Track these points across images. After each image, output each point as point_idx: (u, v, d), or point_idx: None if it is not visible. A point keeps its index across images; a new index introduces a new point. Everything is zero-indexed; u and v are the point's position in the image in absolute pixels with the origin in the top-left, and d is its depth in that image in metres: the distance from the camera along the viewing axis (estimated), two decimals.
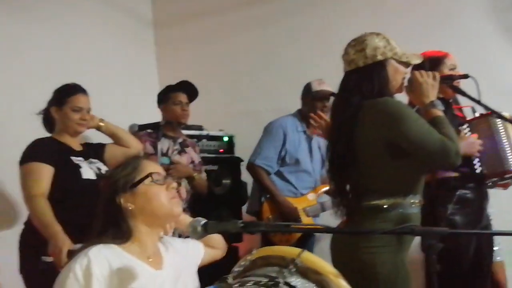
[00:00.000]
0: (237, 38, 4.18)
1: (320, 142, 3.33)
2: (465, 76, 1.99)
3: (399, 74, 1.89)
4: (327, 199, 3.25)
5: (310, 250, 3.07)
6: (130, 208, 1.49)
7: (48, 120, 2.55)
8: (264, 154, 3.21)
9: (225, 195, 3.66)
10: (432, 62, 2.34)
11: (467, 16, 3.60)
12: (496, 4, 3.56)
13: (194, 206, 3.22)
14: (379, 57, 1.85)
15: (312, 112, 3.11)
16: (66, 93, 2.50)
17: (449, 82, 1.87)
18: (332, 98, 2.87)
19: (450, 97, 2.49)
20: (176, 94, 3.13)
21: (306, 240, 3.18)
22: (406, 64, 1.90)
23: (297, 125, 3.28)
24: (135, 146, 2.66)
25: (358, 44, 1.88)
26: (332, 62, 3.50)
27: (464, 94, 1.96)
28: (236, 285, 1.20)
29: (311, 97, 3.21)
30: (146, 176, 1.52)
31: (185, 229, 1.45)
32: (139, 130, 2.81)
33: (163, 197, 1.52)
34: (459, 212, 2.37)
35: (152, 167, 1.57)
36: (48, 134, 2.57)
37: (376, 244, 1.77)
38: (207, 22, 4.25)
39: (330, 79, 3.62)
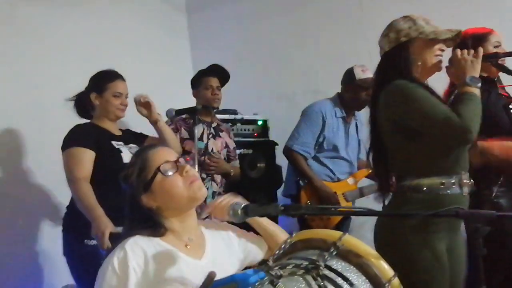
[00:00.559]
0: (271, 20, 4.14)
1: (358, 127, 3.31)
2: (510, 54, 1.90)
3: (428, 52, 1.85)
4: (366, 184, 3.23)
5: None
6: (154, 206, 1.48)
7: (83, 106, 2.59)
8: (301, 139, 3.16)
9: (260, 179, 3.67)
10: (475, 39, 2.25)
11: None
12: None
13: (229, 190, 3.23)
14: (403, 39, 1.86)
15: (355, 100, 3.15)
16: (106, 80, 2.54)
17: (494, 61, 1.79)
18: None
19: (495, 75, 2.40)
20: (207, 78, 3.13)
21: (343, 225, 3.16)
22: (436, 41, 1.84)
23: (336, 110, 3.21)
24: (176, 150, 2.66)
25: (386, 29, 1.93)
26: (368, 45, 3.51)
27: (510, 72, 1.87)
28: (276, 268, 1.19)
29: (354, 85, 3.14)
30: (155, 173, 1.47)
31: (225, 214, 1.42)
32: (176, 115, 2.82)
33: (181, 185, 1.47)
34: (504, 195, 2.29)
35: (159, 157, 1.50)
36: (82, 120, 2.61)
37: (420, 226, 1.75)
38: (240, 5, 4.23)
39: (366, 61, 3.59)
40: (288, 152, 3.21)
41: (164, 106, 3.04)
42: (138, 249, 1.40)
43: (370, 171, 3.09)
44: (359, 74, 3.13)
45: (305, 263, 1.27)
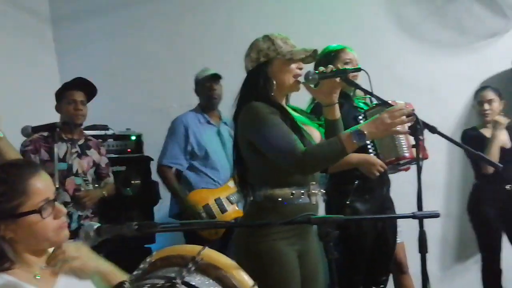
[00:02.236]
0: (144, 32, 4.06)
1: (229, 130, 3.29)
2: (358, 70, 2.05)
3: (286, 73, 1.91)
4: None
5: None
6: (7, 237, 1.30)
7: None
8: (169, 153, 3.19)
9: (135, 196, 3.55)
10: (327, 57, 2.41)
11: (364, 11, 3.78)
12: (390, 0, 3.77)
13: (103, 210, 3.09)
14: (262, 59, 1.91)
15: (205, 99, 3.25)
16: None
17: (342, 76, 1.92)
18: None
19: (350, 89, 2.58)
20: (70, 92, 2.92)
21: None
22: (293, 61, 1.91)
23: (198, 117, 3.27)
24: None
25: (248, 48, 1.98)
26: (238, 58, 3.62)
27: (357, 86, 2.02)
28: None
29: (199, 86, 3.29)
30: (35, 211, 1.30)
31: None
32: (32, 133, 2.61)
33: (50, 230, 1.32)
34: (359, 200, 2.48)
35: (41, 191, 1.33)
36: None
37: (271, 234, 1.82)
38: (108, 17, 4.09)
39: (237, 74, 3.68)
40: (158, 168, 3.24)
41: (29, 121, 2.82)
42: None
43: None
44: (200, 75, 3.30)
45: (161, 282, 1.25)
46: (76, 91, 2.92)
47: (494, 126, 3.10)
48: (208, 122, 3.27)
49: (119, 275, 1.37)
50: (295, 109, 2.08)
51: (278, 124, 1.82)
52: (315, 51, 1.94)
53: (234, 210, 3.10)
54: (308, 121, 2.06)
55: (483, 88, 3.32)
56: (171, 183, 3.17)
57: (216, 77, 3.26)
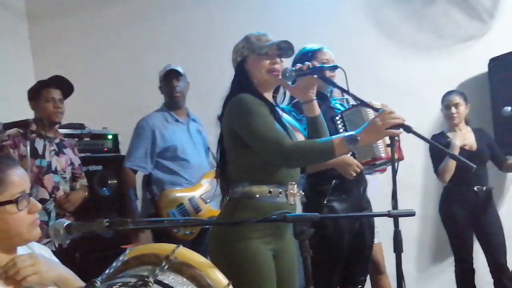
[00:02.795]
0: (122, 30, 4.01)
1: (198, 126, 3.24)
2: (335, 67, 2.06)
3: (261, 68, 1.93)
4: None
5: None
6: None
7: None
8: (134, 155, 3.04)
9: (112, 197, 3.50)
10: (304, 57, 2.42)
11: (344, 12, 3.80)
12: (369, 2, 3.80)
13: (79, 210, 3.03)
14: (239, 58, 1.98)
15: (167, 94, 3.12)
16: None
17: (319, 73, 1.92)
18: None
19: (326, 89, 2.59)
20: (48, 90, 2.87)
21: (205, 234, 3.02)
22: (264, 56, 1.93)
23: (166, 116, 3.13)
24: None
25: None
26: (219, 58, 3.60)
27: (334, 84, 2.03)
28: None
29: (161, 82, 3.16)
30: (11, 201, 1.31)
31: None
32: (4, 129, 2.55)
33: (24, 224, 1.33)
34: (337, 200, 2.48)
35: (19, 182, 1.34)
36: None
37: (246, 233, 1.81)
38: (85, 14, 4.03)
39: (218, 74, 3.67)
40: (121, 171, 3.11)
41: (3, 118, 2.77)
42: None
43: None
44: (161, 71, 3.17)
45: (134, 280, 1.22)
46: (53, 89, 2.88)
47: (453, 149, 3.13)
48: (177, 120, 3.15)
49: (79, 282, 1.36)
50: (283, 109, 2.10)
51: (266, 115, 1.83)
52: (284, 41, 1.94)
53: (208, 210, 3.01)
54: (295, 122, 2.07)
55: (449, 92, 3.36)
56: (128, 186, 3.04)
57: (174, 73, 3.12)
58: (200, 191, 3.04)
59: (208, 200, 3.04)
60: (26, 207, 1.34)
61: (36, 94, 2.90)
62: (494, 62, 3.59)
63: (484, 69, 3.62)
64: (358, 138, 1.75)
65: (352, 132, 1.78)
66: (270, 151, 1.79)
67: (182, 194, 3.01)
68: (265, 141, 1.79)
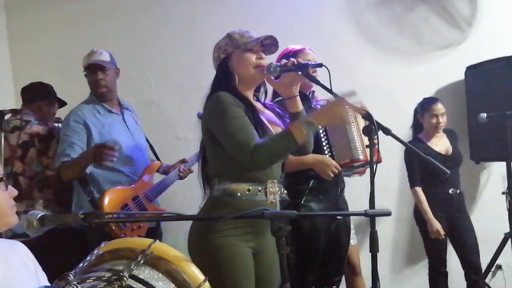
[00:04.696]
0: (100, 25, 3.92)
1: (132, 115, 2.98)
2: (319, 65, 2.07)
3: (244, 64, 1.93)
4: (165, 176, 2.94)
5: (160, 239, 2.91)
6: None
7: None
8: (63, 148, 2.65)
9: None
10: (286, 57, 2.43)
11: (326, 15, 3.83)
12: (351, 6, 3.83)
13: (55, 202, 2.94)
14: (222, 55, 1.97)
15: (94, 85, 2.76)
16: None
17: (303, 70, 1.94)
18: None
19: (308, 90, 2.61)
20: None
21: (157, 231, 2.86)
22: (249, 51, 1.92)
23: (97, 108, 2.79)
24: None
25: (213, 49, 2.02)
26: (200, 56, 3.59)
27: (317, 82, 2.04)
28: (74, 283, 1.10)
29: (86, 71, 2.82)
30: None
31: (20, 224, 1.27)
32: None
33: (7, 205, 1.31)
34: (314, 200, 2.50)
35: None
36: None
37: (225, 230, 1.80)
38: (64, 7, 3.95)
39: (199, 71, 3.65)
40: (57, 171, 2.68)
41: None
42: None
43: (160, 163, 2.97)
44: (83, 60, 2.84)
45: (108, 274, 1.20)
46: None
47: None
48: (110, 111, 2.82)
49: None
50: (265, 105, 2.09)
51: (239, 117, 1.82)
52: (269, 37, 1.94)
53: (154, 208, 2.78)
54: (276, 118, 2.06)
55: (432, 100, 3.38)
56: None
57: (96, 67, 2.77)
58: (143, 189, 2.77)
59: (153, 198, 2.79)
60: (5, 190, 1.32)
61: None
62: (471, 70, 3.65)
63: (461, 76, 3.69)
64: (312, 119, 1.78)
65: (306, 116, 1.82)
66: (236, 152, 1.80)
67: (125, 193, 2.70)
68: (232, 143, 1.80)
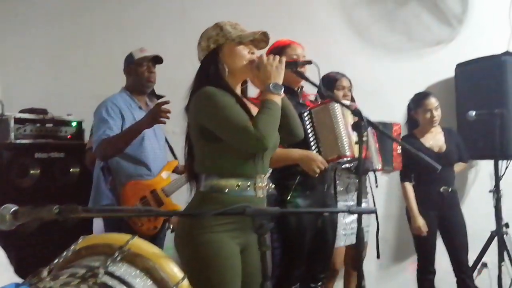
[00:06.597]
0: (84, 16, 3.87)
1: None
2: (309, 62, 2.04)
3: (237, 56, 1.89)
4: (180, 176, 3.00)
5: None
6: None
7: None
8: (104, 129, 2.71)
9: (73, 185, 3.41)
10: (275, 51, 2.40)
11: (317, 10, 3.80)
12: (342, 1, 3.81)
13: (37, 197, 2.93)
14: (212, 46, 1.90)
15: (140, 78, 2.90)
16: None
17: (293, 67, 1.91)
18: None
19: (296, 85, 2.58)
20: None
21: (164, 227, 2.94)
22: (242, 44, 1.89)
23: (129, 102, 2.91)
24: None
25: (199, 38, 1.95)
26: (189, 47, 3.54)
27: (306, 79, 2.01)
28: (47, 279, 1.07)
29: (135, 65, 2.94)
30: None
31: None
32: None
33: None
34: (300, 196, 2.48)
35: None
36: None
37: (212, 226, 1.76)
38: None
39: (188, 63, 3.60)
40: (96, 151, 2.71)
41: None
42: None
43: (177, 162, 3.00)
44: (138, 54, 2.97)
45: (83, 271, 1.17)
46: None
47: None
48: (140, 108, 2.93)
49: None
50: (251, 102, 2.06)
51: (231, 106, 1.79)
52: (264, 33, 1.92)
53: (170, 203, 2.88)
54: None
55: (424, 95, 3.34)
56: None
57: (156, 60, 2.97)
58: (161, 184, 2.89)
59: (169, 194, 2.90)
60: None
61: None
62: (461, 68, 3.65)
63: (451, 73, 3.68)
64: (271, 81, 1.81)
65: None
66: (241, 141, 1.76)
67: (144, 186, 2.84)
68: (234, 132, 1.76)
